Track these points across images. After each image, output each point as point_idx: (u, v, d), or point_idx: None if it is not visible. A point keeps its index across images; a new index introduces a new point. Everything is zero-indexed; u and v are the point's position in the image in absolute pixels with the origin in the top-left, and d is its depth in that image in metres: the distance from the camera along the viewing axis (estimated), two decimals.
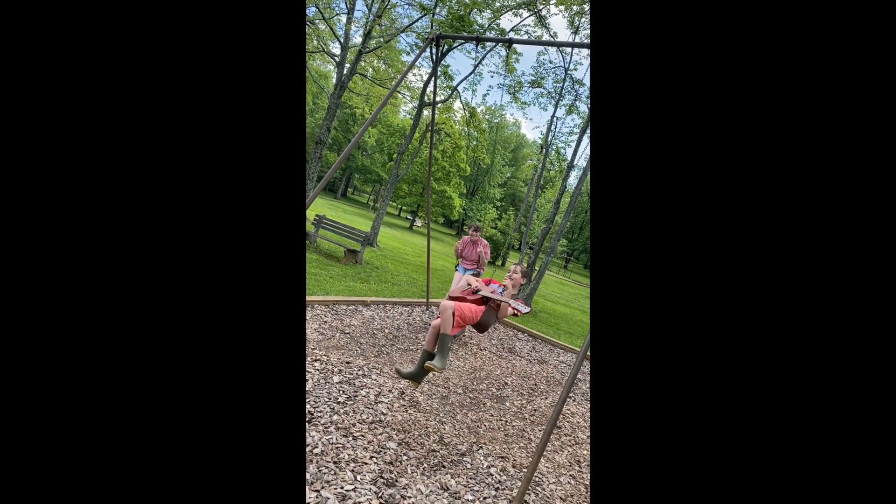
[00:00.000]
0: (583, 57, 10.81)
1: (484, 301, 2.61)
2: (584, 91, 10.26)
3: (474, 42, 3.63)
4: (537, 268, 9.18)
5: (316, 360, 2.90)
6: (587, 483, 2.44)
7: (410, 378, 2.48)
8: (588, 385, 4.37)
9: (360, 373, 2.94)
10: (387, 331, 4.10)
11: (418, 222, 32.47)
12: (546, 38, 9.74)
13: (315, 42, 11.04)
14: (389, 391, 2.80)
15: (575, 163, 9.27)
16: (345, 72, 9.59)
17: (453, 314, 2.40)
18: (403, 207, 34.03)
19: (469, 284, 2.72)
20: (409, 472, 2.02)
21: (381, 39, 10.72)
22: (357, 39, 10.67)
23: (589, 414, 3.57)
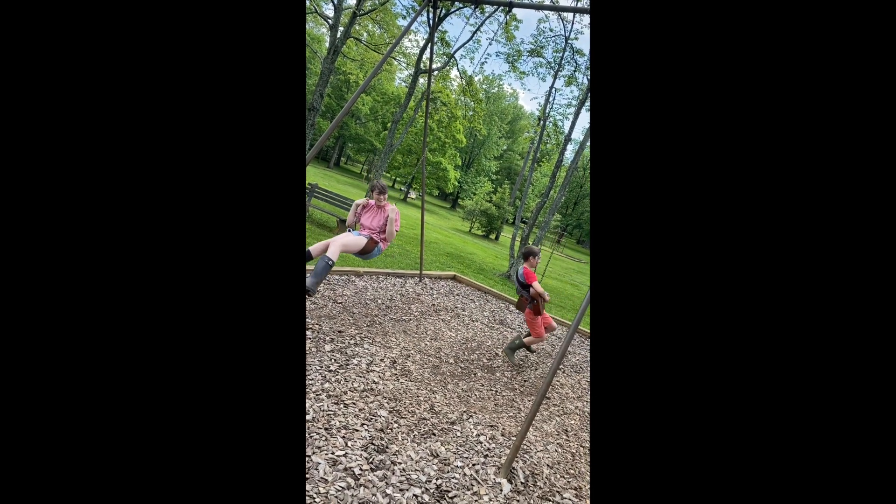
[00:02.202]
0: (584, 25, 10.51)
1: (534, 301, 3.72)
2: (584, 61, 10.02)
3: (472, 5, 3.48)
4: (531, 242, 9.19)
5: (307, 329, 2.90)
6: (573, 451, 2.50)
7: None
8: (577, 358, 4.45)
9: (353, 342, 2.95)
10: (379, 301, 4.10)
11: (412, 194, 32.19)
12: (547, 2, 9.42)
13: (307, 3, 10.61)
14: (381, 360, 2.82)
15: (572, 136, 9.14)
16: (338, 35, 9.25)
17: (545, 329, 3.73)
18: (398, 179, 33.67)
19: (541, 294, 3.59)
20: (400, 438, 2.06)
21: (377, 1, 10.32)
22: (351, 1, 10.26)
23: (577, 385, 3.64)
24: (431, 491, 1.77)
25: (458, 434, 2.27)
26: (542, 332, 3.69)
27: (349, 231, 3.42)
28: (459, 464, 2.00)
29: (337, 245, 3.09)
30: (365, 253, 3.37)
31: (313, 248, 3.08)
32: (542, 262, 15.45)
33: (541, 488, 2.03)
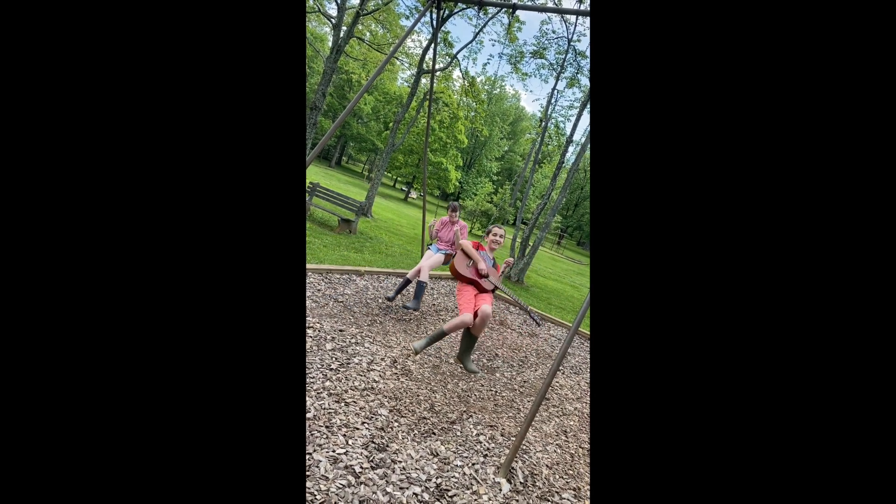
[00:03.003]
0: (586, 28, 10.52)
1: (482, 282, 3.08)
2: (587, 63, 10.03)
3: (476, 6, 3.50)
4: (531, 243, 9.19)
5: (309, 328, 2.91)
6: (573, 452, 2.51)
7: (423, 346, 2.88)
8: (577, 359, 4.45)
9: (353, 341, 2.96)
10: (380, 300, 4.11)
11: (413, 194, 32.20)
12: (549, 4, 9.42)
13: (311, 2, 10.62)
14: (382, 359, 2.83)
15: (574, 138, 9.16)
16: (341, 35, 9.26)
17: (475, 318, 2.86)
18: (399, 178, 33.68)
19: (477, 262, 3.06)
20: (400, 437, 2.06)
21: (380, 1, 10.33)
22: (354, 0, 10.27)
23: (576, 386, 3.65)
24: (431, 490, 1.77)
25: (458, 433, 2.27)
26: (470, 308, 2.78)
27: (429, 248, 4.25)
28: (459, 463, 2.01)
29: (426, 269, 3.96)
30: (446, 263, 4.22)
31: (410, 273, 4.00)
32: (543, 264, 15.41)
33: (540, 488, 2.04)
